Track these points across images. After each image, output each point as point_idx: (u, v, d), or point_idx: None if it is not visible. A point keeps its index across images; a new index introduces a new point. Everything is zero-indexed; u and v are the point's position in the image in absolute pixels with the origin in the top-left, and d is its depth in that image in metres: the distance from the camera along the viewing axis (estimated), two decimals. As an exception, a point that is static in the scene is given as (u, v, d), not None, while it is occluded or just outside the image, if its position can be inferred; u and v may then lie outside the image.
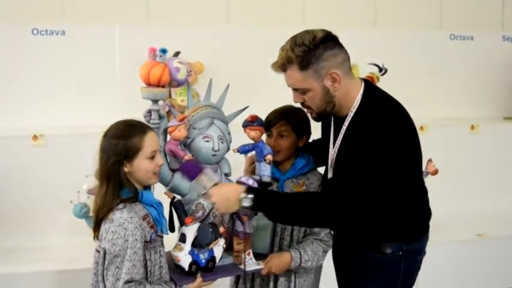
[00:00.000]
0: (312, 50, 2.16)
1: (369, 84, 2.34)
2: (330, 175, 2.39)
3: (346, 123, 2.27)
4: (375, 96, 2.29)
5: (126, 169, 2.11)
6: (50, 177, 3.88)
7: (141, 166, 2.12)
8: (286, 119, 2.52)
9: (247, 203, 2.16)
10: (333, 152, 2.35)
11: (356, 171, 2.14)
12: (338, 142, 2.30)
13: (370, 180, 2.12)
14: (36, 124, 4.10)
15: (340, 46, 2.23)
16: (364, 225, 2.27)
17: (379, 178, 2.13)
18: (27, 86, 4.21)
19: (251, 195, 2.16)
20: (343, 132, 2.28)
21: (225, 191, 2.23)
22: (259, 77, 4.29)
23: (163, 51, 2.32)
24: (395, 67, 4.41)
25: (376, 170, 2.12)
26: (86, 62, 4.26)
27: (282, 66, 2.23)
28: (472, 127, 4.71)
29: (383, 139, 2.13)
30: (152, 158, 2.14)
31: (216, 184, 2.24)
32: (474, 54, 5.05)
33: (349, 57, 2.26)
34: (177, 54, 3.94)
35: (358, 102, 2.26)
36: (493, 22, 5.25)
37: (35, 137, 3.88)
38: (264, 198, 2.20)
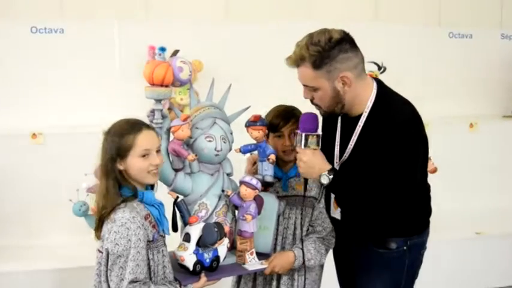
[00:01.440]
0: (326, 51, 2.18)
1: (381, 84, 2.37)
2: None
3: (361, 123, 2.30)
4: (388, 97, 2.32)
5: (120, 167, 2.11)
6: (49, 175, 3.88)
7: (134, 164, 2.12)
8: (295, 118, 2.51)
9: (324, 180, 2.26)
10: (342, 151, 2.38)
11: (379, 169, 2.21)
12: (352, 142, 2.33)
13: (391, 178, 2.20)
14: (35, 122, 4.10)
15: (356, 49, 2.24)
16: (371, 219, 2.33)
17: (404, 174, 2.21)
18: (26, 84, 4.19)
19: (331, 176, 2.25)
20: (358, 133, 2.31)
21: (316, 160, 2.30)
22: (258, 74, 4.32)
23: (162, 49, 2.32)
24: (393, 65, 4.41)
25: (397, 167, 2.19)
26: (85, 60, 4.24)
27: (295, 62, 2.25)
28: (471, 125, 4.73)
29: (402, 139, 2.19)
30: (144, 156, 2.13)
31: (316, 150, 2.30)
32: (473, 52, 5.06)
33: (363, 60, 2.28)
34: (175, 52, 3.93)
35: (372, 102, 2.29)
36: (492, 20, 5.25)
37: (33, 135, 3.88)
38: (340, 183, 2.28)
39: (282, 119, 2.52)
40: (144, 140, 2.14)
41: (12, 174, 3.87)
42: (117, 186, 2.11)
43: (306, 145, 2.29)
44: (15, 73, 4.18)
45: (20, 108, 4.17)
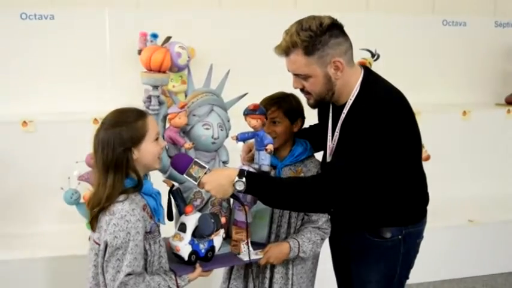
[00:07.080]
0: (318, 36, 2.14)
1: (368, 72, 2.34)
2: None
3: (345, 111, 2.26)
4: (373, 84, 2.28)
5: (135, 156, 2.05)
6: (40, 163, 3.86)
7: (149, 150, 2.08)
8: (278, 105, 2.49)
9: (240, 186, 2.12)
10: (332, 140, 2.35)
11: (354, 155, 2.12)
12: (337, 130, 2.30)
13: (367, 165, 2.11)
14: (26, 110, 4.05)
15: (345, 35, 2.21)
16: (361, 209, 2.29)
17: (377, 163, 2.12)
18: (16, 71, 4.15)
19: (243, 179, 2.12)
20: (342, 120, 2.28)
21: (217, 177, 2.17)
22: (250, 61, 4.28)
23: (154, 35, 2.27)
24: (387, 52, 4.38)
25: (373, 155, 2.11)
26: (76, 47, 4.20)
27: (286, 50, 2.20)
28: (464, 113, 4.73)
29: (382, 125, 2.12)
30: (156, 140, 2.11)
31: (207, 172, 2.17)
32: (467, 40, 5.06)
33: (352, 46, 2.25)
34: (168, 39, 3.89)
35: (357, 90, 2.26)
36: (485, 8, 5.23)
37: (24, 123, 3.85)
38: (257, 181, 2.16)
39: (265, 106, 2.47)
40: (154, 124, 2.12)
41: (3, 162, 3.83)
42: (124, 178, 2.05)
43: (196, 179, 2.16)
44: (5, 60, 4.13)
45: (10, 95, 4.13)
